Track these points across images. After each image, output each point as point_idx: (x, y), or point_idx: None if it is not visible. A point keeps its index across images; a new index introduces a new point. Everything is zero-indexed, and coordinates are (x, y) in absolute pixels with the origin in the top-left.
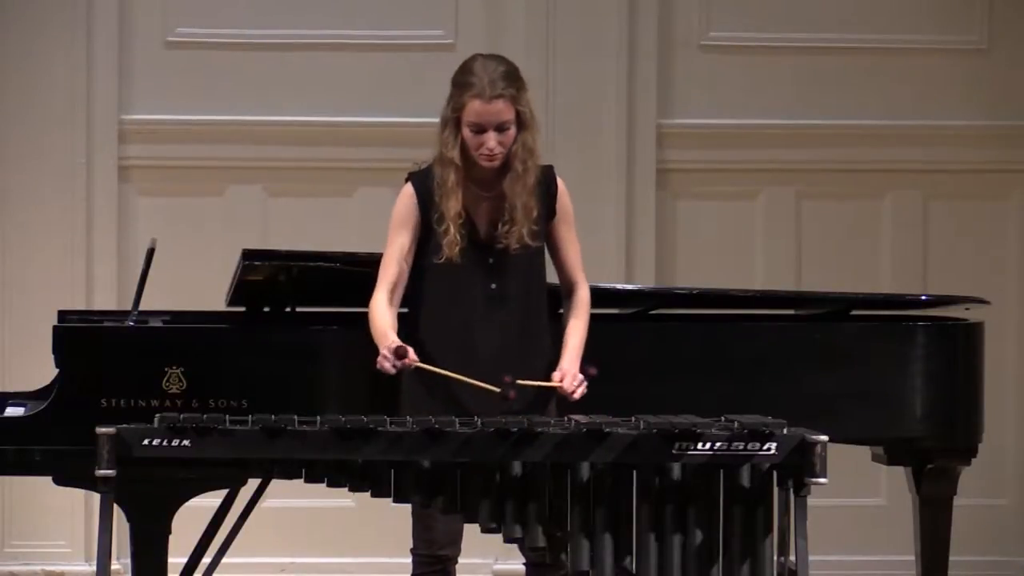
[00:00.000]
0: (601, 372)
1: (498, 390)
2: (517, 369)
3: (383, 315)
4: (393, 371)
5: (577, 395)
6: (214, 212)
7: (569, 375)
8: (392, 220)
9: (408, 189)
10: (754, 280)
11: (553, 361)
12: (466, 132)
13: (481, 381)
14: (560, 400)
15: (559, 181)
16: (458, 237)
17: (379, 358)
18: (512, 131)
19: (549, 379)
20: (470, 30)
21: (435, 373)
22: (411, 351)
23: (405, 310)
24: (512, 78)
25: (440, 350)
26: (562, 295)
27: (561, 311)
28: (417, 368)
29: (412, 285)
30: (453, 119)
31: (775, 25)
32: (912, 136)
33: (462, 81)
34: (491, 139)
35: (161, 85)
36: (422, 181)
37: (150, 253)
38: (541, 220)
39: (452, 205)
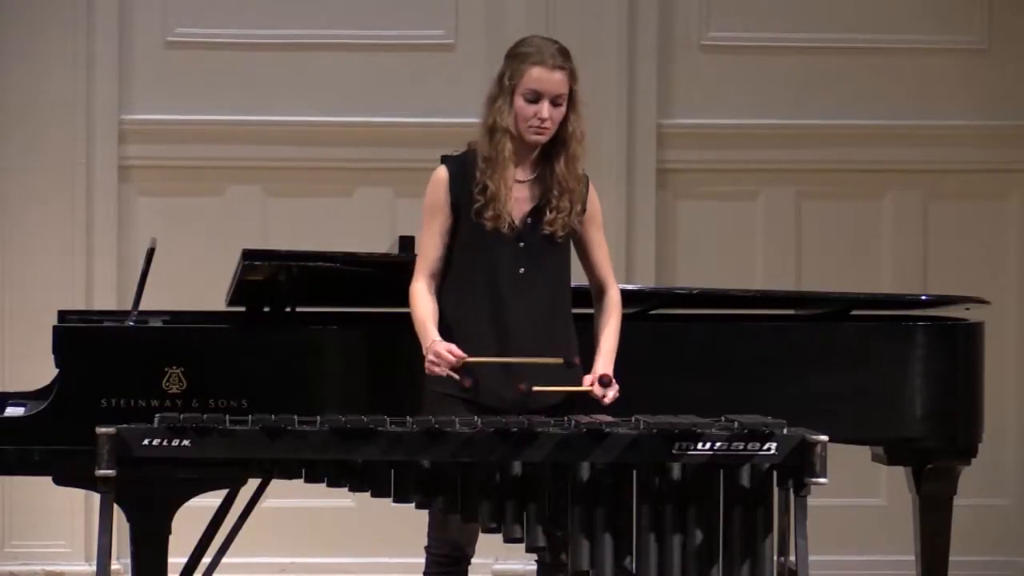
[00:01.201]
0: None
1: (560, 361)
2: (548, 351)
3: (424, 304)
4: (444, 375)
5: (608, 400)
6: (214, 212)
7: (602, 381)
8: (425, 204)
9: (441, 171)
10: (754, 280)
11: (584, 360)
12: (519, 102)
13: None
14: (592, 404)
15: (591, 183)
16: (510, 210)
17: (426, 364)
18: (563, 109)
19: (579, 383)
20: (470, 30)
21: (486, 363)
22: (456, 349)
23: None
24: (569, 57)
25: (471, 332)
26: (592, 296)
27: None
28: (465, 365)
29: (444, 268)
30: (509, 88)
31: (775, 25)
32: (912, 136)
33: (521, 52)
34: (545, 109)
35: (161, 85)
36: (457, 164)
37: (150, 253)
38: (584, 210)
39: (509, 176)
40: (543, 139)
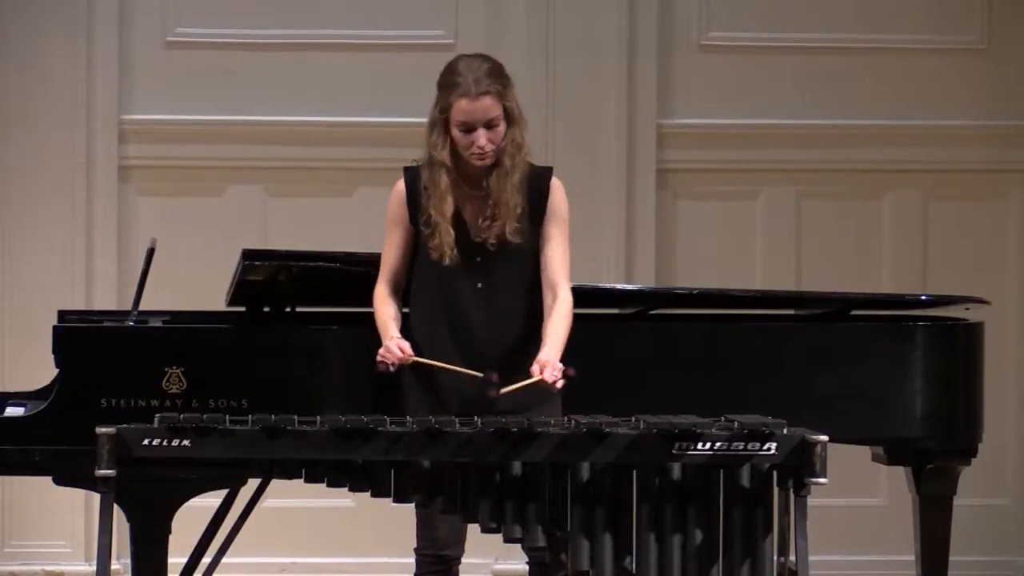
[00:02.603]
0: (601, 372)
1: (481, 375)
2: (512, 366)
3: (384, 306)
4: (391, 370)
5: (558, 385)
6: (214, 212)
7: (548, 366)
8: (386, 215)
9: (399, 185)
10: (754, 280)
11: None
12: (455, 132)
13: (470, 370)
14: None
15: (554, 182)
16: (452, 238)
17: (378, 356)
18: (501, 128)
19: (529, 376)
20: (470, 30)
21: (430, 366)
22: (407, 346)
23: (407, 310)
24: (497, 74)
25: (434, 348)
26: (543, 297)
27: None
28: (414, 363)
29: (408, 281)
30: (441, 120)
31: (775, 25)
32: (912, 136)
33: (448, 82)
34: (481, 137)
35: (161, 85)
36: (412, 177)
37: (150, 253)
38: (525, 218)
39: (446, 208)
40: (487, 163)
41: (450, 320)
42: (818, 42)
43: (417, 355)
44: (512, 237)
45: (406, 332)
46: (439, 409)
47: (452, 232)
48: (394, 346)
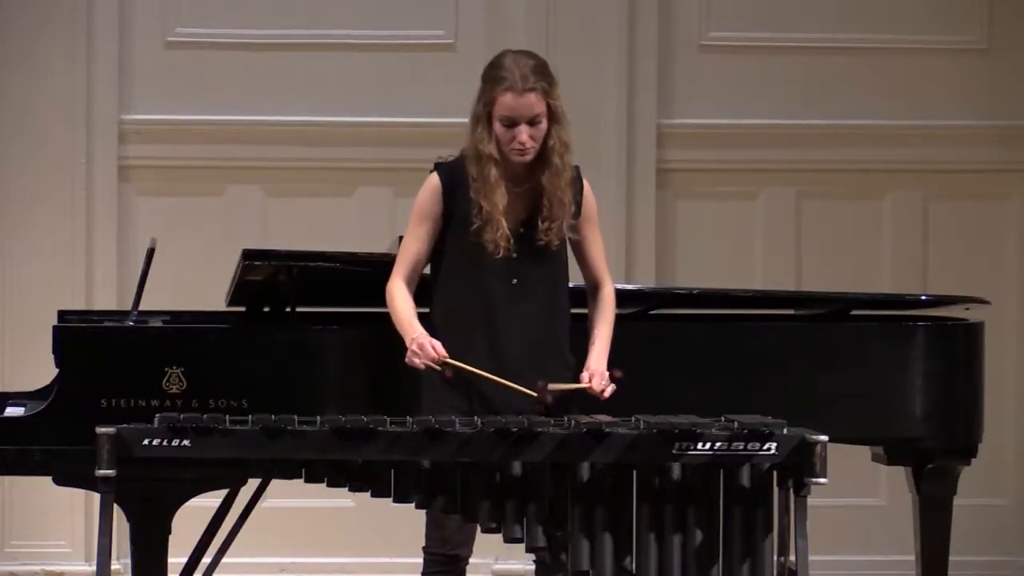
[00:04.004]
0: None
1: (535, 394)
2: (539, 365)
3: (404, 302)
4: (423, 368)
5: (606, 394)
6: (214, 212)
7: (597, 375)
8: (415, 208)
9: (434, 180)
10: (754, 280)
11: (578, 361)
12: (497, 127)
13: (513, 382)
14: (590, 400)
15: (585, 181)
16: (508, 232)
17: (408, 354)
18: (544, 125)
19: (577, 380)
20: (470, 30)
21: (466, 371)
22: (440, 346)
23: (426, 310)
24: (543, 72)
25: (463, 344)
26: (587, 293)
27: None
28: (445, 364)
29: (434, 279)
30: (485, 114)
31: (775, 25)
32: (912, 136)
33: (493, 76)
34: (523, 133)
35: (161, 85)
36: (450, 173)
37: (150, 253)
38: (577, 215)
39: (498, 200)
40: (527, 159)
41: (481, 314)
42: (818, 42)
43: (449, 353)
44: (568, 234)
45: (426, 328)
46: (459, 407)
47: (506, 224)
48: (428, 345)
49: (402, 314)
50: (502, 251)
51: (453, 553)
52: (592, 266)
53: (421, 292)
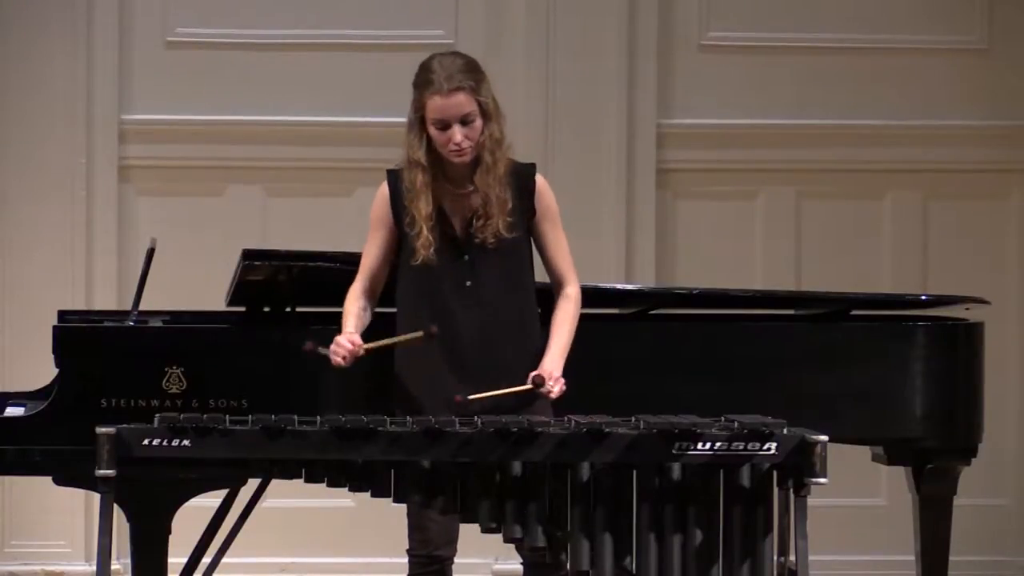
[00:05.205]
0: (601, 372)
1: (420, 333)
2: (498, 367)
3: (350, 302)
4: (343, 363)
5: (555, 394)
6: (214, 212)
7: (546, 376)
8: (371, 216)
9: (383, 188)
10: (754, 280)
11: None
12: (432, 131)
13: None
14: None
15: (538, 178)
16: (431, 238)
17: (330, 354)
18: (478, 123)
19: (524, 383)
20: (470, 30)
21: (379, 347)
22: (356, 337)
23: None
24: (470, 70)
25: (422, 350)
26: (553, 292)
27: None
28: (367, 350)
29: (394, 287)
30: (417, 119)
31: (775, 25)
32: (912, 136)
33: (421, 80)
34: (457, 133)
35: (161, 85)
36: (396, 180)
37: (150, 253)
38: (517, 213)
39: (423, 206)
40: (466, 159)
41: (438, 319)
42: (818, 42)
43: (400, 360)
44: (507, 232)
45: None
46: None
47: (428, 231)
48: (344, 340)
49: (343, 316)
50: (422, 258)
51: (436, 553)
52: (553, 265)
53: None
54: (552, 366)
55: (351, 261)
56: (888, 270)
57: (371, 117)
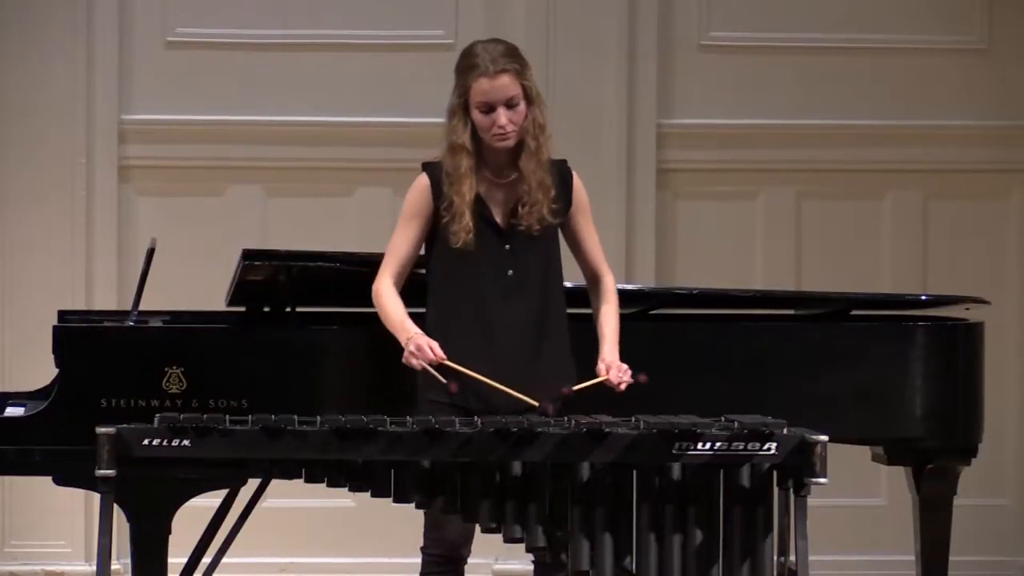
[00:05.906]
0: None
1: (536, 404)
2: (532, 356)
3: (394, 301)
4: (420, 369)
5: (623, 386)
6: (214, 212)
7: (614, 367)
8: (404, 207)
9: (423, 179)
10: (754, 280)
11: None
12: (476, 115)
13: (514, 388)
14: (607, 392)
15: (574, 174)
16: (472, 224)
17: (406, 354)
18: (522, 107)
19: (595, 375)
20: (470, 30)
21: (464, 375)
22: (437, 347)
23: (422, 310)
24: (514, 55)
25: (459, 341)
26: (588, 287)
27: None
28: (443, 366)
29: (427, 277)
30: (460, 104)
31: (775, 25)
32: (912, 136)
33: (465, 65)
34: (502, 116)
35: (161, 85)
36: (435, 172)
37: (150, 253)
38: (560, 200)
39: (466, 191)
40: (510, 143)
41: (477, 308)
42: (818, 42)
43: (445, 352)
44: (552, 218)
45: (426, 327)
46: (456, 407)
47: (470, 217)
48: (425, 346)
49: (393, 314)
50: (462, 243)
51: (451, 554)
52: (589, 259)
53: (410, 292)
54: (613, 357)
55: (351, 261)
56: (888, 270)
57: (371, 117)
